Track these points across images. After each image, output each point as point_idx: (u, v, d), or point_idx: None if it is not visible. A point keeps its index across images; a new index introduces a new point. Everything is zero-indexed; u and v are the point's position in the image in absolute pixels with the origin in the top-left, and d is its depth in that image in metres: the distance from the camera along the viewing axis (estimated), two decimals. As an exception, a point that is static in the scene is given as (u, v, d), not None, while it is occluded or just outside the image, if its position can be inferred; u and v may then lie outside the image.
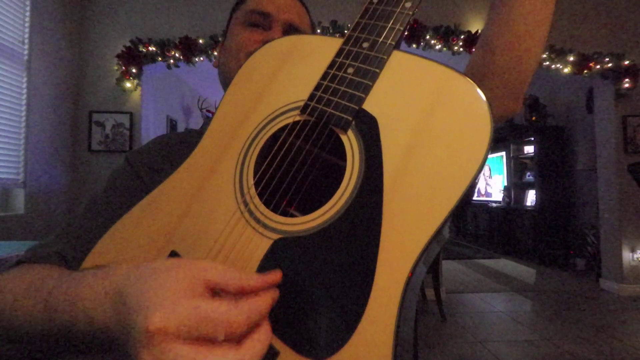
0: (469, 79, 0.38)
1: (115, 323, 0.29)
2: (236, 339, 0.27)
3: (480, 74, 0.52)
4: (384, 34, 0.44)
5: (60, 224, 0.53)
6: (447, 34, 3.14)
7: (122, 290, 0.29)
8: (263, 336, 0.28)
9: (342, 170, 0.39)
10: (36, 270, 0.43)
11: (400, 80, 0.41)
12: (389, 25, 0.44)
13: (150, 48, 3.05)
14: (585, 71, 3.37)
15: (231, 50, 0.65)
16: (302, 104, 0.43)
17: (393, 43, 0.43)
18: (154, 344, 0.25)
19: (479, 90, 0.37)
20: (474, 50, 0.56)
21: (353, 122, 0.40)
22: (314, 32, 0.73)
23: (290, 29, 0.65)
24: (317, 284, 0.35)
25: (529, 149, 5.33)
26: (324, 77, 0.44)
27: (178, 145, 0.62)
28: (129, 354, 0.28)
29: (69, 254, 0.49)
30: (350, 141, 0.40)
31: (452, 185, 0.35)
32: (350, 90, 0.42)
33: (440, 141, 0.37)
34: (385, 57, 0.42)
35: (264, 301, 0.29)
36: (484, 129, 0.35)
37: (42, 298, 0.35)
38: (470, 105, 0.37)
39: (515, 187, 5.57)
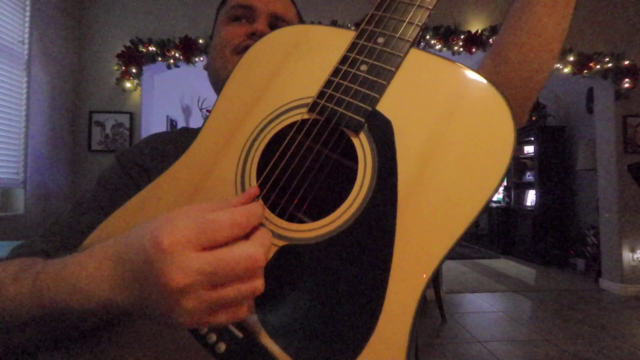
0: (491, 82, 0.36)
1: (122, 280, 0.29)
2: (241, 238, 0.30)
3: None
4: (401, 29, 0.40)
5: (46, 224, 0.52)
6: (447, 34, 3.14)
7: (121, 246, 0.30)
8: (265, 232, 0.31)
9: (353, 174, 0.37)
10: (22, 259, 0.42)
11: (417, 81, 0.38)
12: (407, 20, 0.41)
13: (150, 48, 3.04)
14: (585, 71, 3.37)
15: (216, 47, 0.64)
16: (310, 101, 0.41)
17: (410, 40, 0.40)
18: (172, 256, 0.27)
19: (501, 95, 0.35)
20: (484, 60, 0.54)
21: (366, 125, 0.38)
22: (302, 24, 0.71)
23: (275, 20, 0.63)
24: (325, 295, 0.33)
25: (529, 149, 5.32)
26: (334, 74, 0.41)
27: (171, 144, 0.60)
28: (148, 304, 0.29)
29: (54, 253, 0.47)
30: (362, 145, 0.37)
31: (472, 196, 0.32)
32: (363, 90, 0.39)
33: (459, 148, 0.34)
34: (401, 55, 0.39)
35: (257, 204, 0.32)
36: (507, 136, 0.33)
37: (28, 281, 0.34)
38: (492, 111, 0.35)
39: (515, 187, 5.57)
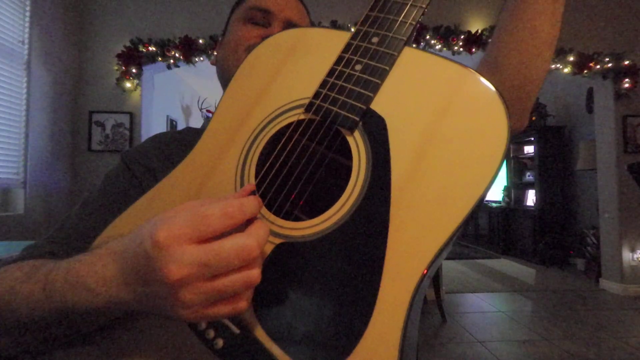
0: (485, 79, 0.36)
1: (126, 278, 0.31)
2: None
3: None
4: (395, 28, 0.41)
5: (54, 226, 0.53)
6: (447, 34, 3.14)
7: (124, 245, 0.32)
8: (261, 225, 0.31)
9: (348, 172, 0.38)
10: (33, 260, 0.43)
11: (411, 79, 0.39)
12: (400, 19, 0.41)
13: (150, 48, 3.04)
14: (585, 71, 3.37)
15: (230, 45, 0.65)
16: (306, 101, 0.41)
17: (404, 39, 0.40)
18: (167, 250, 0.28)
19: (496, 92, 0.35)
20: (478, 68, 0.54)
21: (360, 123, 0.38)
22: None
23: (289, 26, 0.64)
24: (320, 291, 0.34)
25: (529, 149, 5.33)
26: (330, 74, 0.41)
27: (175, 144, 0.61)
28: (151, 300, 0.30)
29: (62, 255, 0.47)
30: (357, 143, 0.38)
31: (464, 194, 0.33)
32: (357, 89, 0.39)
33: (453, 146, 0.34)
34: (395, 53, 0.40)
35: (250, 198, 0.32)
36: (501, 133, 0.33)
37: (40, 280, 0.36)
38: (486, 108, 0.35)
39: (515, 187, 5.57)
